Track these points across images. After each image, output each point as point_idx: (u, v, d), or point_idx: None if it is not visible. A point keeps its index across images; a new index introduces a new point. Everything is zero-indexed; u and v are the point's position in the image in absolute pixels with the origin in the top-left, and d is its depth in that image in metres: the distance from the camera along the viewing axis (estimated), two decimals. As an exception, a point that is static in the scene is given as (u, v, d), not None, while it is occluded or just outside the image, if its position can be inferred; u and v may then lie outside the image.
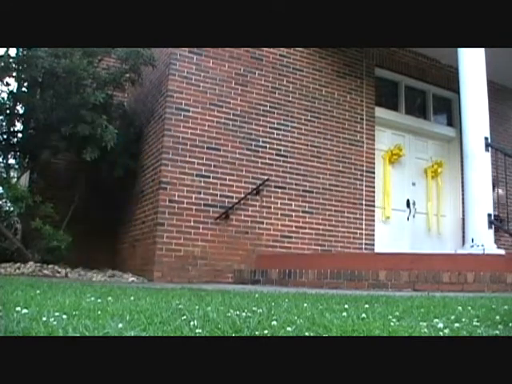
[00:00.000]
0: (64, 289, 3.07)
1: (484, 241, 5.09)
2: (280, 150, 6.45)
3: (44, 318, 1.54)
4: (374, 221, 7.06)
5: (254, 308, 2.11)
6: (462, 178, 6.50)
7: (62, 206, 6.37)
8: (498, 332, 1.63)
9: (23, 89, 6.34)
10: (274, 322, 1.66)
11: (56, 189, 6.83)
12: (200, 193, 5.87)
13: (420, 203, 7.82)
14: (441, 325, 1.69)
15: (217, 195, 5.96)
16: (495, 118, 7.25)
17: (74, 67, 5.58)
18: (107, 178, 6.39)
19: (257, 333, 1.50)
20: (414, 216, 7.74)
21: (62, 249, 5.71)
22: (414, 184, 7.86)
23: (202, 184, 5.88)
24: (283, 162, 6.45)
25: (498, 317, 1.95)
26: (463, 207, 6.51)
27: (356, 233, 6.87)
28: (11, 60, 5.80)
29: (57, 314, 1.67)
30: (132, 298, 2.55)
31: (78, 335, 1.34)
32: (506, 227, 5.84)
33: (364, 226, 6.94)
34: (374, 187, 7.14)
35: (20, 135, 6.58)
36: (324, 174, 6.73)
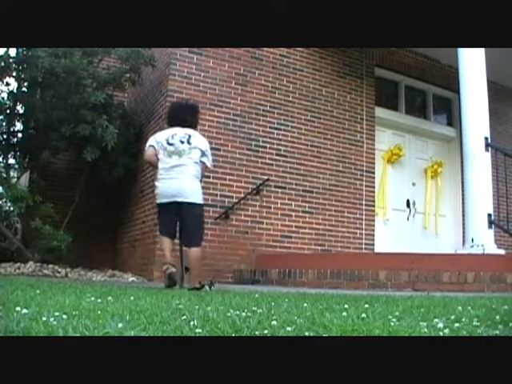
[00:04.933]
0: (64, 289, 3.07)
1: (484, 241, 5.10)
2: (280, 150, 6.45)
3: (44, 318, 1.54)
4: (373, 221, 7.06)
5: (254, 308, 2.11)
6: (462, 178, 6.50)
7: (62, 205, 6.38)
8: (497, 332, 1.63)
9: (23, 89, 6.33)
10: (274, 322, 1.66)
11: (56, 189, 6.84)
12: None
13: (420, 203, 7.82)
14: (441, 325, 1.69)
15: (217, 195, 5.96)
16: (495, 118, 7.25)
17: (74, 67, 5.59)
18: (107, 177, 6.40)
19: (257, 333, 1.50)
20: (413, 216, 7.74)
21: (62, 249, 5.71)
22: (414, 184, 7.86)
23: (202, 184, 5.87)
24: (283, 161, 6.45)
25: (498, 317, 1.95)
26: (463, 207, 6.51)
27: (356, 233, 6.87)
28: (11, 60, 5.80)
29: (57, 313, 1.67)
30: (132, 298, 2.54)
31: (78, 335, 1.34)
32: (506, 227, 5.83)
33: (364, 226, 6.94)
34: (374, 187, 7.14)
35: (20, 135, 6.58)
36: (324, 173, 6.73)
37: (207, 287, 3.91)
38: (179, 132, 4.06)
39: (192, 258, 3.96)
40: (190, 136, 4.06)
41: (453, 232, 7.99)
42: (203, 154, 4.08)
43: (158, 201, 4.10)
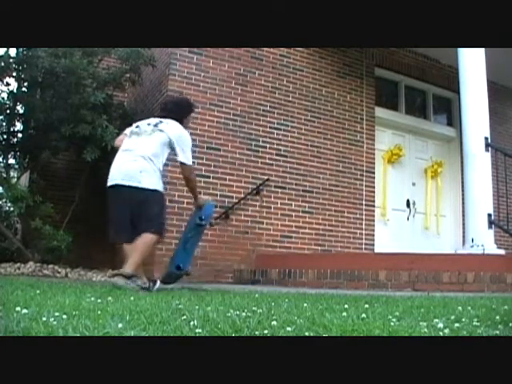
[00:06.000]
0: (64, 289, 3.07)
1: (484, 241, 5.09)
2: (280, 150, 6.45)
3: (44, 318, 1.54)
4: (373, 221, 7.06)
5: (254, 308, 2.11)
6: (462, 177, 6.50)
7: (62, 205, 6.37)
8: (497, 332, 1.63)
9: (23, 89, 6.33)
10: (274, 322, 1.66)
11: (56, 189, 6.83)
12: (200, 193, 5.85)
13: (420, 203, 7.82)
14: (441, 325, 1.69)
15: (217, 195, 5.96)
16: (495, 118, 7.25)
17: (74, 67, 5.58)
18: (107, 177, 6.39)
19: (257, 333, 1.50)
20: (413, 216, 7.74)
21: (62, 249, 5.71)
22: (414, 184, 7.86)
23: (202, 184, 5.88)
24: (283, 161, 6.45)
25: (498, 317, 1.95)
26: (463, 207, 6.51)
27: (356, 233, 6.87)
28: (11, 60, 5.80)
29: (57, 313, 1.67)
30: (132, 298, 2.55)
31: (78, 335, 1.34)
32: (506, 227, 5.83)
33: (364, 226, 6.94)
34: (374, 187, 7.14)
35: (20, 135, 6.58)
36: (324, 173, 6.73)
37: (137, 282, 3.34)
38: (154, 119, 3.75)
39: (137, 241, 3.40)
40: (161, 121, 3.67)
41: (453, 232, 7.99)
42: (170, 142, 3.58)
43: (107, 184, 3.65)
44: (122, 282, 3.26)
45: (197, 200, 4.04)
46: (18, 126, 6.60)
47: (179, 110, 3.83)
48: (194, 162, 5.84)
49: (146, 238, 3.43)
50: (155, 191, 3.52)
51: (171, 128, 3.65)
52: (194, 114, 5.96)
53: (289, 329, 1.55)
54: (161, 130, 3.61)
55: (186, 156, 3.67)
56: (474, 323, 1.79)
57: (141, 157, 3.51)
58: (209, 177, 5.94)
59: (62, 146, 6.10)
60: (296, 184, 6.50)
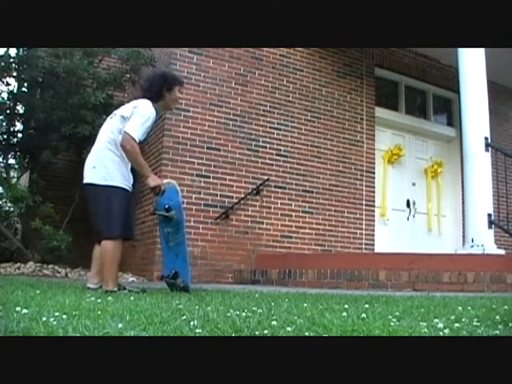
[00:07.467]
0: (64, 289, 3.08)
1: (484, 241, 5.10)
2: (280, 150, 6.45)
3: (44, 318, 1.54)
4: (373, 221, 7.06)
5: (254, 308, 2.11)
6: (462, 177, 6.50)
7: (61, 205, 6.38)
8: (497, 332, 1.63)
9: (23, 89, 6.34)
10: (274, 322, 1.66)
11: (56, 189, 6.84)
12: (200, 193, 5.87)
13: (420, 203, 7.82)
14: (441, 325, 1.69)
15: (217, 195, 5.96)
16: (495, 118, 7.25)
17: (75, 67, 5.59)
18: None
19: (257, 333, 1.50)
20: (413, 216, 7.74)
21: (62, 249, 5.71)
22: (414, 184, 7.86)
23: (202, 184, 5.88)
24: (283, 162, 6.45)
25: (498, 317, 1.95)
26: (463, 207, 6.51)
27: (356, 233, 6.87)
28: (11, 60, 5.80)
29: (57, 313, 1.67)
30: (132, 298, 2.55)
31: (78, 335, 1.34)
32: (506, 227, 5.83)
33: (364, 226, 6.94)
34: (374, 187, 7.14)
35: (20, 135, 6.59)
36: (324, 173, 6.73)
37: (125, 290, 3.21)
38: None
39: (101, 253, 3.27)
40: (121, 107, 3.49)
41: (453, 232, 7.99)
42: (126, 120, 3.27)
43: None
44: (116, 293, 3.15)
45: (146, 180, 3.51)
46: (18, 126, 6.61)
47: (151, 86, 3.50)
48: (193, 162, 5.87)
49: (107, 248, 3.22)
50: (109, 187, 3.24)
51: (125, 107, 3.43)
52: (194, 114, 5.97)
53: (289, 329, 1.55)
54: (112, 117, 3.42)
55: (128, 124, 3.23)
56: (474, 323, 1.79)
57: (96, 150, 3.35)
58: (209, 177, 5.94)
59: (62, 146, 6.10)
60: (296, 184, 6.50)
